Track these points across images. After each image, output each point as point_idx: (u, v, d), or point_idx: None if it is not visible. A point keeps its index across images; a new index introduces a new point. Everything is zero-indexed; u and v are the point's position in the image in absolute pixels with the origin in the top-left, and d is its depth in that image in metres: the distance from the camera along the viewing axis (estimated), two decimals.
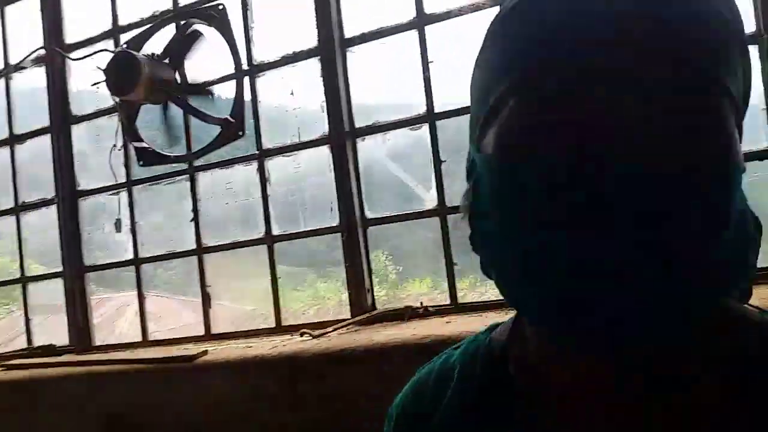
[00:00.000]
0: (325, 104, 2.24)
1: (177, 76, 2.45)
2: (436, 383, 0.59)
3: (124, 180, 2.62)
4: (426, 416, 0.57)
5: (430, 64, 2.14)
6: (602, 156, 0.39)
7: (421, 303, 2.11)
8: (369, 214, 2.23)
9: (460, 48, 2.19)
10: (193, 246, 2.49)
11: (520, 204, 0.44)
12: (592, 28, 0.42)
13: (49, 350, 2.67)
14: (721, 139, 0.42)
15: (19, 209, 2.84)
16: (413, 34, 2.17)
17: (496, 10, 0.50)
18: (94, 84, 2.54)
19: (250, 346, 2.06)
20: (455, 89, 2.17)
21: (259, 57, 2.39)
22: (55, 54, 2.70)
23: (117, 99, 2.48)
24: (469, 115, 0.55)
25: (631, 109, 0.40)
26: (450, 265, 2.10)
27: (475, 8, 2.08)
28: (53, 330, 2.79)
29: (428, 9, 2.16)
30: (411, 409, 0.60)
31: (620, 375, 0.46)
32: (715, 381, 0.45)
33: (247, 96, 2.36)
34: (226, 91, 2.46)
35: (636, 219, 0.39)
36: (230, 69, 2.39)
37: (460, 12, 2.11)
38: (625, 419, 0.46)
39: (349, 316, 2.14)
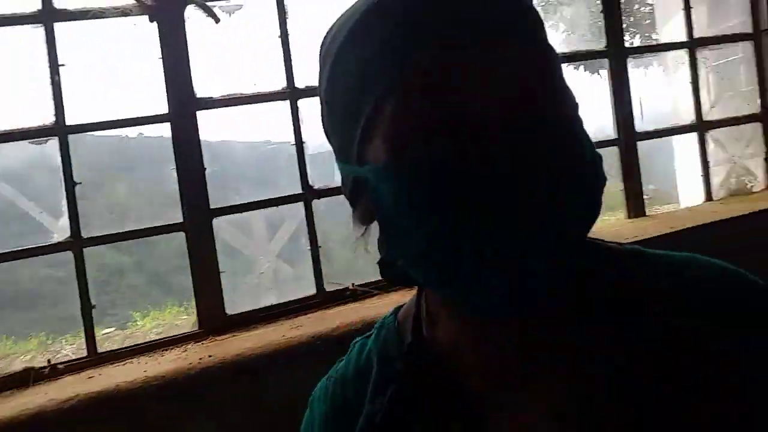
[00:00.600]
0: None
1: None
2: (357, 375, 0.60)
3: None
4: (352, 408, 0.58)
5: (60, 67, 1.79)
6: (485, 135, 0.45)
7: (49, 361, 1.69)
8: None
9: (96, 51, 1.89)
10: None
11: (428, 195, 0.46)
12: (447, 17, 0.47)
13: None
14: (568, 102, 0.50)
15: None
16: (39, 30, 1.78)
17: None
18: None
19: None
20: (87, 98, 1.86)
21: None
22: None
23: None
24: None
25: (497, 84, 0.46)
26: (88, 309, 1.75)
27: (122, 12, 1.83)
28: None
29: (59, 4, 1.81)
30: (338, 402, 0.61)
31: (524, 335, 0.52)
32: (600, 322, 0.52)
33: None
34: None
35: (530, 195, 0.44)
36: None
37: (102, 13, 1.82)
38: (530, 370, 0.52)
39: None
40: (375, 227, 0.56)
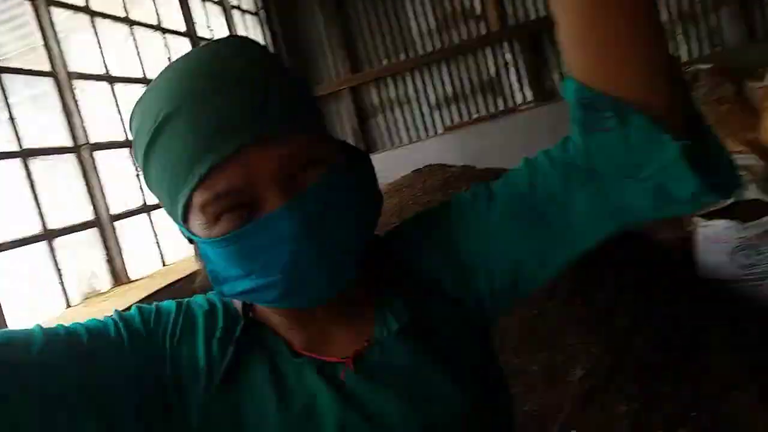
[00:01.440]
0: None
1: None
2: (210, 314, 0.73)
3: None
4: (195, 331, 0.71)
5: None
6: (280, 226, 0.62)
7: None
8: None
9: None
10: None
11: (256, 258, 0.64)
12: (222, 117, 0.61)
13: None
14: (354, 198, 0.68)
15: None
16: None
17: None
18: None
19: None
20: None
21: None
22: None
23: None
24: None
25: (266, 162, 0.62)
26: None
27: None
28: None
29: None
30: (191, 312, 0.73)
31: (324, 314, 0.71)
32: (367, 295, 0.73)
33: None
34: None
35: (314, 250, 0.63)
36: None
37: None
38: (334, 326, 0.72)
39: None
40: None
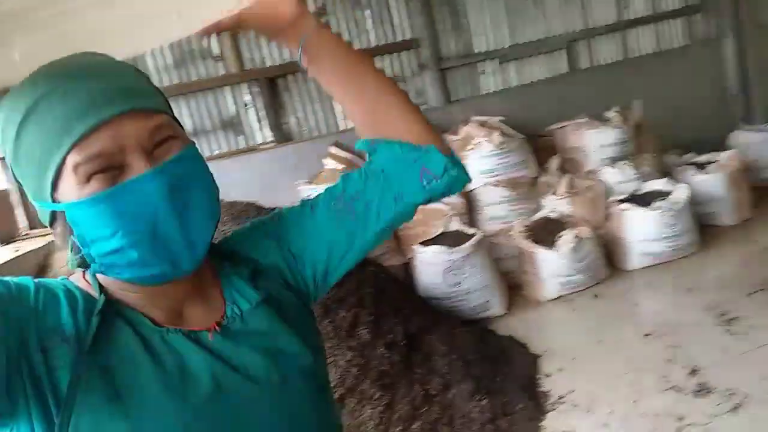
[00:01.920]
0: None
1: None
2: (69, 294, 0.79)
3: None
4: (58, 304, 0.77)
5: None
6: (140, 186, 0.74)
7: None
8: None
9: None
10: None
11: (123, 218, 0.73)
12: (94, 93, 0.72)
13: None
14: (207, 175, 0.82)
15: None
16: None
17: None
18: None
19: None
20: None
21: None
22: None
23: None
24: None
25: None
26: None
27: None
28: None
29: None
30: (52, 290, 0.78)
31: (181, 287, 0.84)
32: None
33: None
34: None
35: (176, 211, 0.75)
36: None
37: None
38: (189, 306, 0.85)
39: None
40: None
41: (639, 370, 3.14)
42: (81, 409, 0.73)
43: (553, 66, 6.10)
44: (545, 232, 4.41)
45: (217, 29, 0.93)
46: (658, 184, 4.71)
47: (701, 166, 5.02)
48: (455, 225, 4.43)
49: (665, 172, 5.07)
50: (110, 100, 0.72)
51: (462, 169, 0.96)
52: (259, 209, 3.82)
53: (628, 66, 6.22)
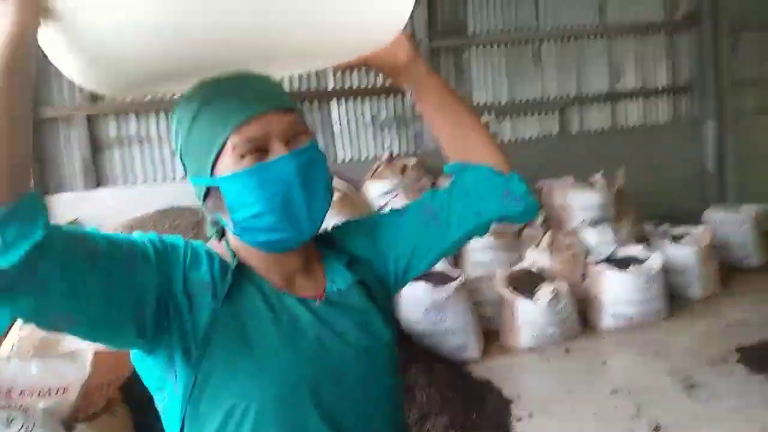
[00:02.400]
0: None
1: None
2: (209, 255, 0.99)
3: None
4: (199, 260, 0.96)
5: None
6: (280, 167, 0.94)
7: None
8: None
9: None
10: None
11: (258, 189, 0.93)
12: (250, 95, 0.95)
13: None
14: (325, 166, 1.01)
15: None
16: None
17: None
18: None
19: None
20: None
21: None
22: None
23: None
24: None
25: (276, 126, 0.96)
26: None
27: None
28: None
29: None
30: (196, 249, 0.98)
31: (295, 259, 1.04)
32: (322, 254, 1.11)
33: None
34: None
35: (304, 189, 0.95)
36: None
37: None
38: (297, 277, 1.05)
39: None
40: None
41: (605, 422, 3.30)
42: (215, 345, 0.92)
43: (546, 126, 6.39)
44: (525, 283, 4.59)
45: (350, 66, 1.14)
46: (635, 250, 4.94)
47: (675, 238, 5.29)
48: (441, 265, 4.59)
49: (641, 240, 5.32)
50: (260, 100, 0.95)
51: (536, 202, 1.15)
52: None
53: (615, 135, 6.54)
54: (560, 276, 4.67)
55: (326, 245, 1.11)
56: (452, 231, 1.12)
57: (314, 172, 0.97)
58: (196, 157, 0.96)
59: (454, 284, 4.22)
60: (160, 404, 0.99)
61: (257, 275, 1.01)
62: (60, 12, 0.82)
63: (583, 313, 4.66)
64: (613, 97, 6.61)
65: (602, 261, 4.80)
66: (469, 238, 1.15)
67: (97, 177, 5.13)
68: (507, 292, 4.45)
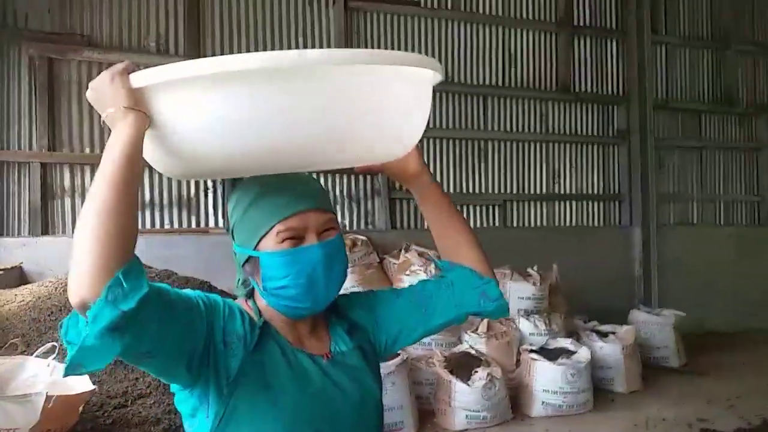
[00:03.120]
0: None
1: None
2: (240, 312, 1.18)
3: None
4: (234, 316, 1.15)
5: None
6: (312, 258, 1.17)
7: None
8: None
9: None
10: None
11: (288, 270, 1.15)
12: (298, 194, 1.18)
13: None
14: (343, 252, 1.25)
15: None
16: None
17: None
18: None
19: None
20: None
21: None
22: None
23: None
24: None
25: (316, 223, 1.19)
26: None
27: None
28: None
29: None
30: (231, 306, 1.17)
31: (308, 323, 1.25)
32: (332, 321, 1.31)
33: None
34: None
35: (325, 272, 1.18)
36: None
37: None
38: (308, 337, 1.25)
39: None
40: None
41: None
42: (242, 386, 1.12)
43: (488, 218, 6.76)
44: (462, 365, 4.74)
45: (371, 171, 1.37)
46: (565, 343, 5.20)
47: (602, 335, 5.59)
48: None
49: (571, 333, 5.60)
50: (305, 200, 1.18)
51: (506, 304, 1.36)
52: (211, 288, 3.97)
53: (551, 232, 6.97)
54: (495, 361, 4.84)
55: (331, 310, 1.29)
56: (435, 317, 1.33)
57: (335, 260, 1.19)
58: (246, 233, 1.18)
59: (396, 360, 4.32)
60: (189, 428, 1.17)
61: (277, 332, 1.20)
62: (158, 121, 1.07)
63: (514, 399, 4.82)
64: (550, 197, 7.09)
65: (534, 351, 5.02)
66: (450, 324, 1.35)
67: (43, 224, 5.06)
68: (445, 373, 4.58)
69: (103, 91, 1.05)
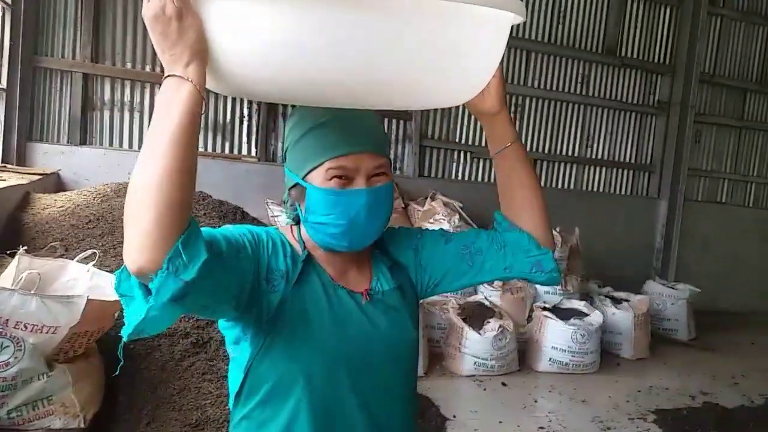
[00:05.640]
0: None
1: None
2: (283, 244, 1.19)
3: None
4: (277, 249, 1.17)
5: None
6: (359, 200, 1.15)
7: None
8: None
9: None
10: None
11: (328, 206, 1.14)
12: (354, 133, 1.14)
13: None
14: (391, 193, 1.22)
15: None
16: None
17: None
18: None
19: None
20: None
21: None
22: None
23: None
24: None
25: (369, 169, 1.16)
26: None
27: None
28: None
29: None
30: (274, 239, 1.19)
31: (349, 257, 1.24)
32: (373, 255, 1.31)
33: None
34: None
35: (367, 218, 1.16)
36: None
37: None
38: (350, 271, 1.25)
39: None
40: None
41: None
42: (281, 321, 1.14)
43: None
44: (475, 314, 4.85)
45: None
46: (578, 305, 5.28)
47: (616, 301, 5.66)
48: None
49: (585, 296, 5.68)
50: (361, 140, 1.14)
51: (559, 276, 1.32)
52: (243, 214, 4.06)
53: (577, 195, 6.95)
54: (508, 314, 4.94)
55: (375, 244, 1.26)
56: (481, 274, 1.30)
57: (380, 207, 1.16)
58: (297, 160, 1.16)
59: None
60: (233, 354, 1.21)
61: (319, 265, 1.21)
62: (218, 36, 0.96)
63: (522, 353, 4.94)
64: (581, 160, 7.04)
65: (547, 309, 5.11)
66: (492, 282, 1.35)
67: (82, 134, 5.16)
68: (458, 320, 4.69)
69: (169, 24, 0.91)
